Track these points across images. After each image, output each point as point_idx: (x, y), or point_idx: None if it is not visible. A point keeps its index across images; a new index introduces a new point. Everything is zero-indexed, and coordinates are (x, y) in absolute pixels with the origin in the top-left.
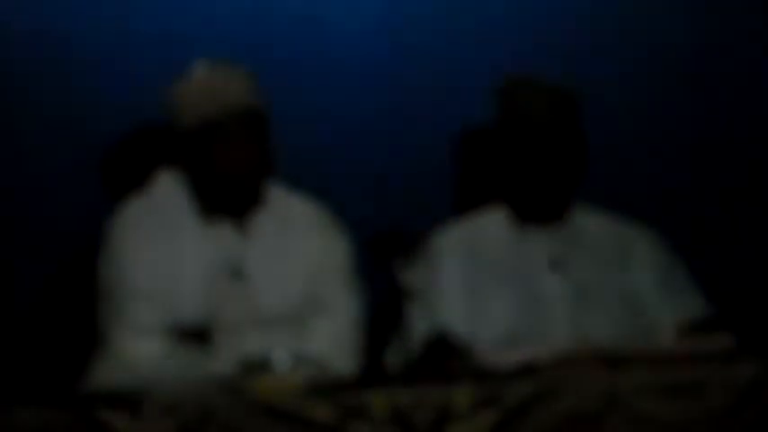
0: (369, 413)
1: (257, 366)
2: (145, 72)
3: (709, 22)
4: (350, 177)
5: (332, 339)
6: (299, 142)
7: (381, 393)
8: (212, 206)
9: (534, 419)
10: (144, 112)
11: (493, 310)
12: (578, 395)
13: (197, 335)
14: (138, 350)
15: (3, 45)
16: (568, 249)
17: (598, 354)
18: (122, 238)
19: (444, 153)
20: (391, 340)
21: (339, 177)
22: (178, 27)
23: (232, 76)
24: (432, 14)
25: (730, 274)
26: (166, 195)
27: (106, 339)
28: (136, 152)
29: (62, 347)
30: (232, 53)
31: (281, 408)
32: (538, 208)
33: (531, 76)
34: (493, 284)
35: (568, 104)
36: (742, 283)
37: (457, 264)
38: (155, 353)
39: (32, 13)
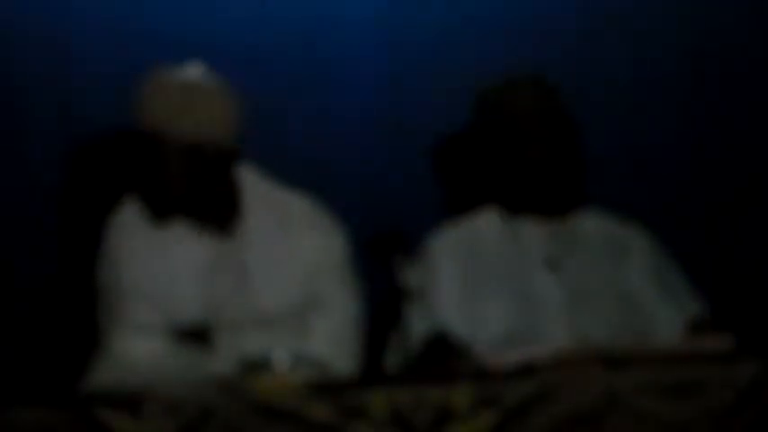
0: (368, 413)
1: (257, 366)
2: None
3: (710, 22)
4: (350, 177)
5: (331, 339)
6: (298, 142)
7: (381, 393)
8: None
9: (534, 419)
10: None
11: (490, 310)
12: (578, 395)
13: (197, 335)
14: (138, 350)
15: (3, 45)
16: (564, 249)
17: (598, 354)
18: (120, 238)
19: None
20: (391, 340)
21: (339, 177)
22: (179, 29)
23: (202, 96)
24: (432, 15)
25: (730, 274)
26: None
27: (106, 339)
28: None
29: (62, 347)
30: (231, 54)
31: (281, 408)
32: (532, 199)
33: (509, 74)
34: (490, 285)
35: (551, 94)
36: (742, 283)
37: (454, 265)
38: (155, 353)
39: (32, 13)
